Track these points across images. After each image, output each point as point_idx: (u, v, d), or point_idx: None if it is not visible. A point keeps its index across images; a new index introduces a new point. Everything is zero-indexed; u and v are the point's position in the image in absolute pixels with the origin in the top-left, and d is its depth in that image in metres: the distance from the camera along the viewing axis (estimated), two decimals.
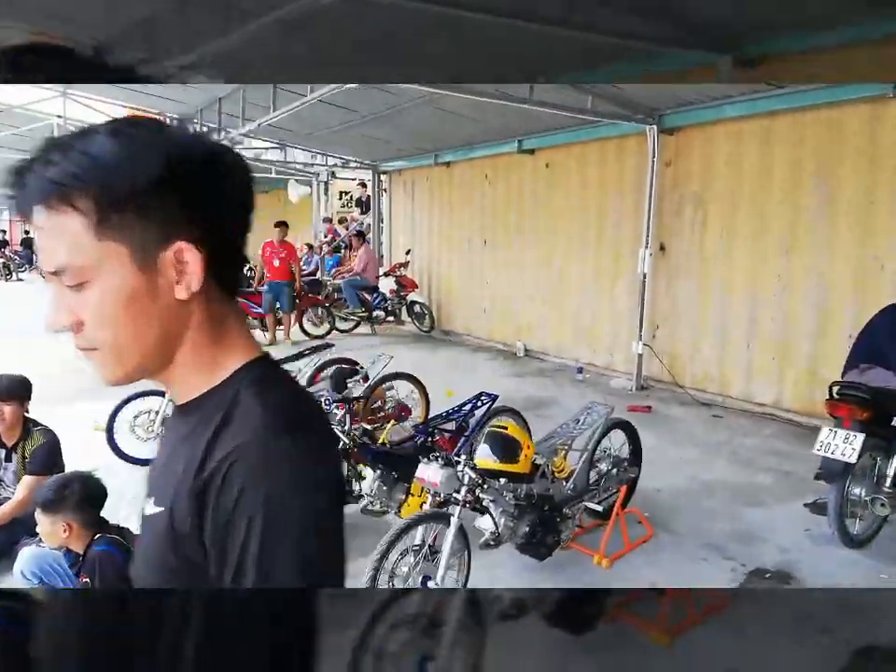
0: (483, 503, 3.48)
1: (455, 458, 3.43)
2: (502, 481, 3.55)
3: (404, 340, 11.47)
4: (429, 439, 4.46)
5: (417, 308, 11.77)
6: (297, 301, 10.89)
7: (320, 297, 11.78)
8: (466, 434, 4.70)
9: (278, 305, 10.73)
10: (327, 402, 5.19)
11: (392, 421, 5.53)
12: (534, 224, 9.99)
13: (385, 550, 3.22)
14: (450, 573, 3.38)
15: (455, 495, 3.42)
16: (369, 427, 5.44)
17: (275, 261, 10.56)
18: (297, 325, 11.20)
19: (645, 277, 8.08)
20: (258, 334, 11.07)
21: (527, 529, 3.70)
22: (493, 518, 3.52)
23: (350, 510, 4.45)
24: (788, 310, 7.04)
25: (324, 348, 6.26)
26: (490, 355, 10.49)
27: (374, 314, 11.77)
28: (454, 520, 3.39)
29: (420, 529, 3.43)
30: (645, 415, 7.27)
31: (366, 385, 5.70)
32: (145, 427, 5.73)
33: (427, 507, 3.62)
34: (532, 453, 3.69)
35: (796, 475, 5.66)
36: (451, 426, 4.76)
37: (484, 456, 3.60)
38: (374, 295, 11.72)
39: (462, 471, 3.39)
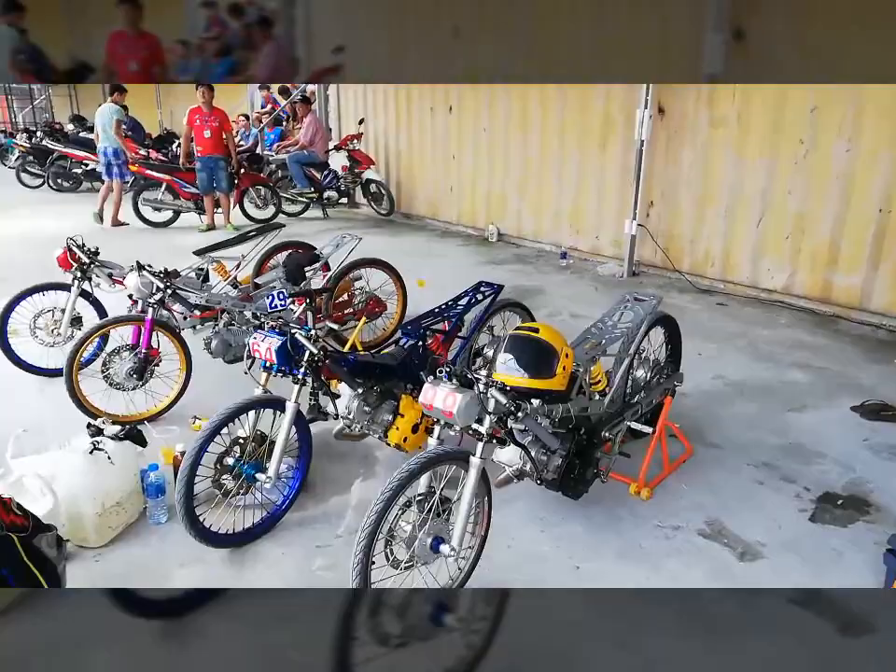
0: (514, 435, 2.53)
1: (474, 375, 2.43)
2: (535, 402, 2.59)
3: (361, 224, 10.21)
4: (419, 343, 3.45)
5: (374, 188, 10.44)
6: (235, 179, 9.43)
7: (262, 175, 10.30)
8: (464, 336, 3.70)
9: (214, 185, 9.26)
10: (280, 296, 4.11)
11: (363, 319, 4.49)
12: (508, 86, 8.64)
13: (381, 509, 2.27)
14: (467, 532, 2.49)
15: (476, 427, 2.46)
16: (335, 326, 4.39)
17: (206, 132, 8.99)
18: (237, 207, 9.79)
19: (643, 145, 6.98)
20: (193, 218, 9.66)
21: (563, 462, 2.81)
22: (525, 452, 2.59)
23: (321, 434, 3.47)
24: (809, 180, 6.11)
25: (272, 229, 5.08)
26: (460, 240, 9.39)
27: (325, 194, 10.41)
28: (475, 461, 2.44)
29: (425, 477, 2.49)
30: None
31: (327, 274, 4.60)
32: (48, 329, 4.54)
33: (433, 439, 2.65)
34: (571, 363, 2.73)
35: (830, 371, 4.93)
36: (442, 325, 3.74)
37: (510, 371, 2.63)
38: (325, 172, 10.31)
39: (486, 394, 2.41)
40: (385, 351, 3.48)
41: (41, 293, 4.53)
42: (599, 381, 3.11)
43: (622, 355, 3.25)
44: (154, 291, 3.87)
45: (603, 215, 7.92)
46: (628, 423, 3.16)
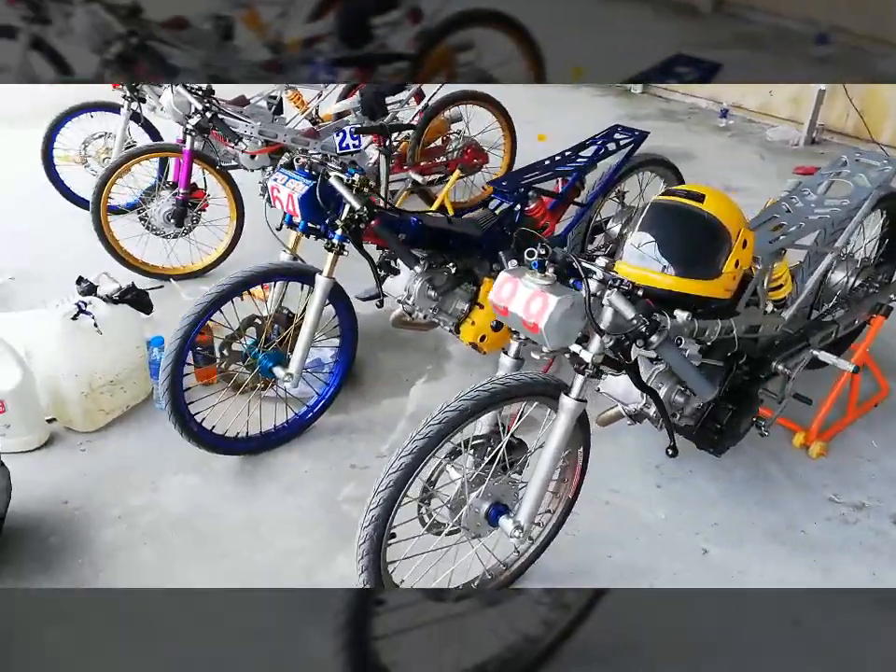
0: (638, 368, 1.59)
1: (585, 265, 1.48)
2: (681, 316, 1.61)
3: None
4: (517, 206, 2.48)
5: None
6: None
7: None
8: (582, 202, 2.68)
9: None
10: (353, 133, 3.22)
11: (456, 171, 3.52)
12: None
13: (401, 478, 1.46)
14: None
15: (578, 351, 1.53)
16: (419, 178, 3.47)
17: None
18: None
19: None
20: None
21: (709, 405, 1.86)
22: (651, 395, 1.65)
23: (381, 315, 2.66)
24: None
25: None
26: (596, 90, 7.92)
27: None
28: (568, 403, 1.54)
29: (490, 415, 1.63)
30: None
31: (418, 107, 3.62)
32: (99, 157, 3.90)
33: (507, 356, 1.74)
34: (749, 256, 1.71)
35: None
36: (554, 185, 2.73)
37: (647, 262, 1.65)
38: None
39: (602, 298, 1.47)
40: (470, 215, 2.54)
41: (89, 113, 3.85)
42: (782, 286, 2.05)
43: (820, 248, 2.14)
44: (192, 113, 3.07)
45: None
46: (814, 351, 2.11)
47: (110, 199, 3.19)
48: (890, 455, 2.38)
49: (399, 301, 2.36)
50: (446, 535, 1.65)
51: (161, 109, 3.49)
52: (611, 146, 2.70)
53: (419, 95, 3.84)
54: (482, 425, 1.68)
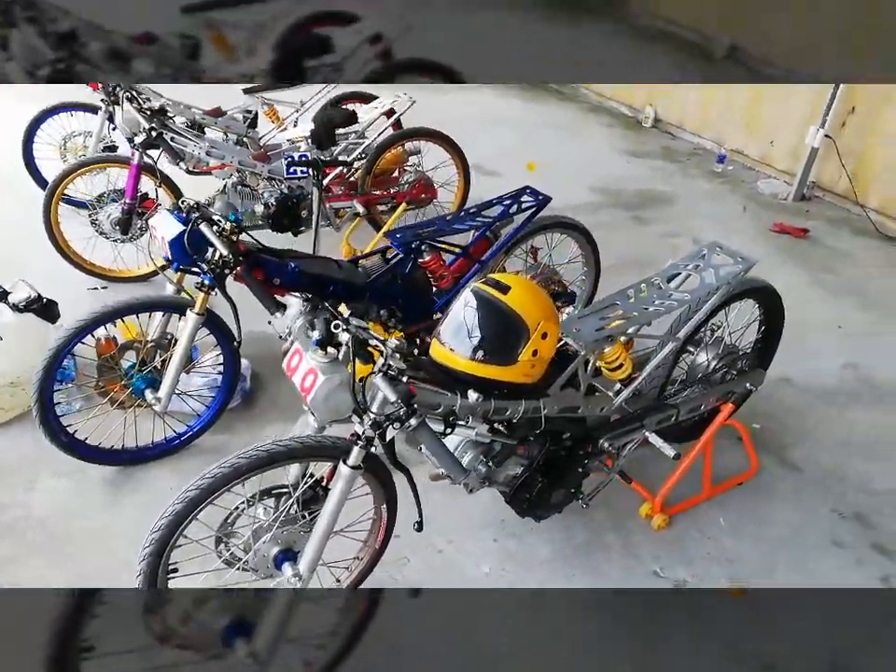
0: (392, 445, 1.71)
1: (374, 338, 1.61)
2: (473, 396, 1.74)
3: (502, 84, 8.96)
4: (412, 256, 2.61)
5: None
6: None
7: None
8: (479, 259, 2.79)
9: None
10: (302, 159, 3.38)
11: (402, 204, 3.67)
12: None
13: (171, 523, 1.62)
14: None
15: (358, 426, 1.66)
16: (361, 209, 3.62)
17: None
18: None
19: None
20: None
21: (521, 475, 1.98)
22: (405, 472, 1.76)
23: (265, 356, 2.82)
24: None
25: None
26: (607, 119, 7.95)
27: None
28: (344, 471, 1.68)
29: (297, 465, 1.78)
30: (796, 241, 5.03)
31: (388, 122, 3.75)
32: (75, 153, 4.13)
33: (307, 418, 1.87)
34: (551, 346, 1.82)
35: None
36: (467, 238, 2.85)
37: (451, 343, 1.78)
38: None
39: (382, 373, 1.59)
40: (363, 262, 2.67)
41: (69, 112, 4.09)
42: (621, 366, 2.15)
43: (666, 337, 2.24)
44: (140, 131, 3.26)
45: (789, 114, 6.22)
46: (647, 433, 2.21)
47: (67, 193, 3.40)
48: (733, 534, 2.46)
49: (279, 337, 2.51)
50: (240, 571, 1.81)
51: (114, 127, 3.69)
52: (515, 205, 2.80)
53: (390, 112, 3.94)
54: (291, 474, 1.83)
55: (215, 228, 2.15)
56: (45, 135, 4.11)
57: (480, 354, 1.76)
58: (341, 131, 3.65)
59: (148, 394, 2.32)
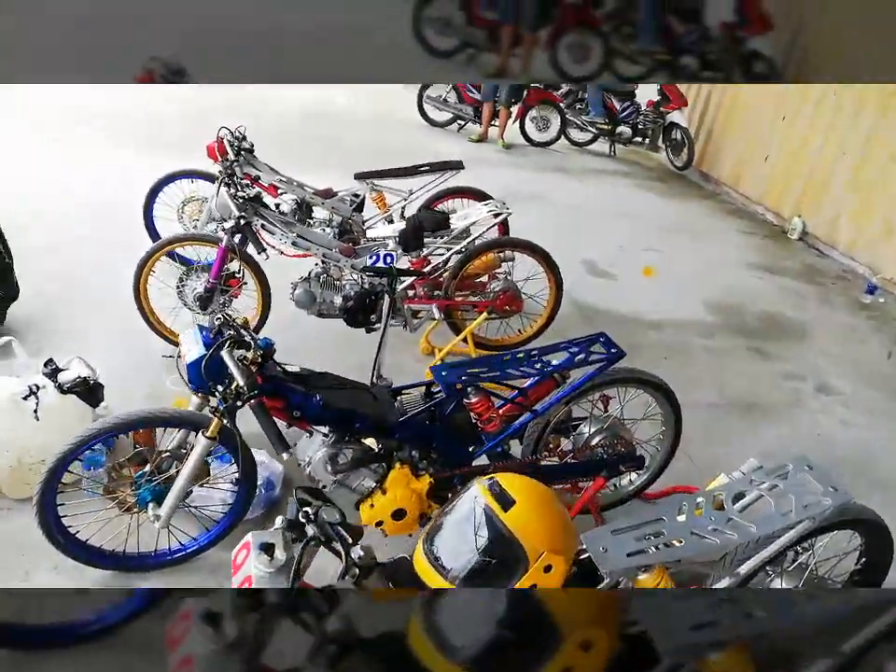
0: None
1: (338, 545, 1.39)
2: None
3: (644, 173, 8.67)
4: (452, 398, 2.36)
5: (675, 134, 8.68)
6: (523, 92, 8.46)
7: (555, 93, 9.14)
8: (534, 408, 2.51)
9: (497, 93, 8.40)
10: (388, 260, 3.29)
11: (483, 313, 3.48)
12: None
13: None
14: None
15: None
16: (437, 314, 3.46)
17: None
18: (517, 123, 8.82)
19: None
20: (468, 127, 8.94)
21: None
22: None
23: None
24: None
25: (450, 168, 4.15)
26: (748, 225, 7.43)
27: (618, 129, 8.95)
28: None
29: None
30: None
31: (456, 246, 3.59)
32: (190, 218, 4.29)
33: None
34: (554, 582, 1.52)
35: None
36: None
37: (440, 559, 1.52)
38: (626, 104, 8.83)
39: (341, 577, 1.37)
40: (407, 395, 2.45)
41: (190, 179, 4.26)
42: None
43: (720, 571, 1.84)
44: (230, 217, 3.29)
45: None
46: None
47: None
48: None
49: (298, 465, 2.35)
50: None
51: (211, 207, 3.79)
52: (584, 355, 2.51)
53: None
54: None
55: (239, 352, 2.04)
56: (166, 197, 4.30)
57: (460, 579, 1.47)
58: (430, 235, 3.52)
59: (151, 508, 2.22)
